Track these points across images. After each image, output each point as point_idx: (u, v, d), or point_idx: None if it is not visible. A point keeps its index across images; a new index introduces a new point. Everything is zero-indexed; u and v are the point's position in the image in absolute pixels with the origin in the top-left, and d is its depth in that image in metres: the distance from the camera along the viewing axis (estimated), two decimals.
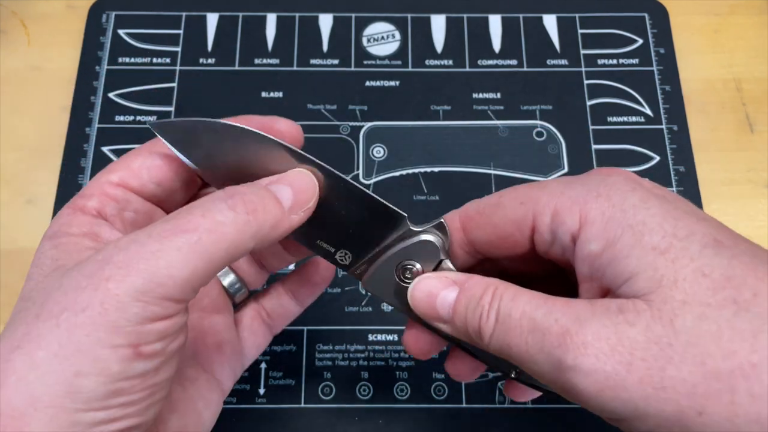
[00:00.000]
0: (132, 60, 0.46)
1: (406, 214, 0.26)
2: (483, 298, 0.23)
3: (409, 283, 0.25)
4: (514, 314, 0.21)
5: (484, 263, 0.27)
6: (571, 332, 0.20)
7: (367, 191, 0.26)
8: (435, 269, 0.26)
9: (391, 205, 0.26)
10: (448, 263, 0.26)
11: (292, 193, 0.23)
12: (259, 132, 0.24)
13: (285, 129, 0.27)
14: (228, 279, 0.30)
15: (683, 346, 0.18)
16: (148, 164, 0.25)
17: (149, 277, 0.19)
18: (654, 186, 0.22)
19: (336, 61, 0.46)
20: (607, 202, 0.21)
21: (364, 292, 0.40)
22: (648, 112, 0.45)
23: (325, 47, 0.47)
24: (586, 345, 0.19)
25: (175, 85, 0.45)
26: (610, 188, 0.22)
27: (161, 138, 0.25)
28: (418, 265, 0.26)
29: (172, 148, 0.25)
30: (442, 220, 0.26)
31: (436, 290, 0.24)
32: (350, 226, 0.26)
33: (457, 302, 0.24)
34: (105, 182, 0.25)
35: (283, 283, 0.31)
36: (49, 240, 0.23)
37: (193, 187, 0.27)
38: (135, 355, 0.19)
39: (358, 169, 0.43)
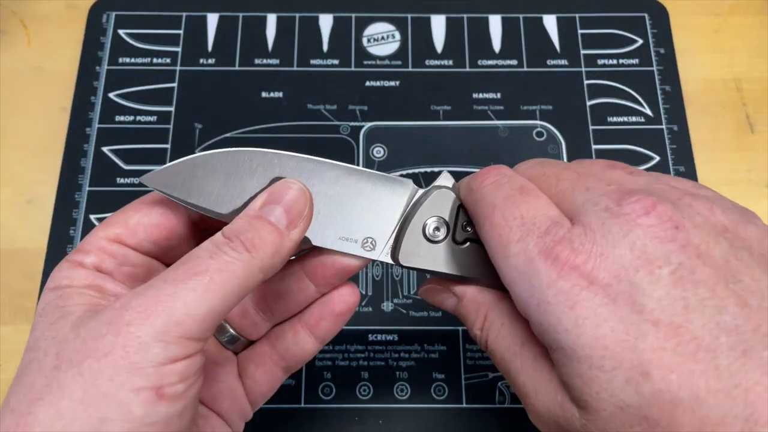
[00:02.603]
0: (132, 60, 0.46)
1: (410, 179, 0.26)
2: (475, 324, 0.25)
3: (440, 240, 0.26)
4: (495, 355, 0.24)
5: None
6: (529, 397, 0.23)
7: (366, 169, 0.26)
8: (457, 215, 0.26)
9: (393, 176, 0.26)
10: (462, 213, 0.26)
11: (284, 210, 0.24)
12: (243, 149, 0.25)
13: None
14: (225, 336, 0.29)
15: None
16: (145, 222, 0.25)
17: (168, 317, 0.20)
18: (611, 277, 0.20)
19: (336, 61, 0.46)
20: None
21: (364, 292, 0.40)
22: (648, 112, 0.45)
23: (325, 47, 0.47)
24: (539, 416, 0.22)
25: (175, 85, 0.45)
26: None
27: (156, 190, 0.25)
28: (441, 217, 0.26)
29: (171, 197, 0.25)
30: (444, 171, 0.27)
31: (441, 299, 0.27)
32: (362, 211, 0.26)
33: (457, 310, 0.27)
34: (102, 238, 0.25)
35: (299, 318, 0.29)
36: (53, 291, 0.23)
37: (190, 239, 0.27)
38: (158, 398, 0.20)
39: None
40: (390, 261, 0.26)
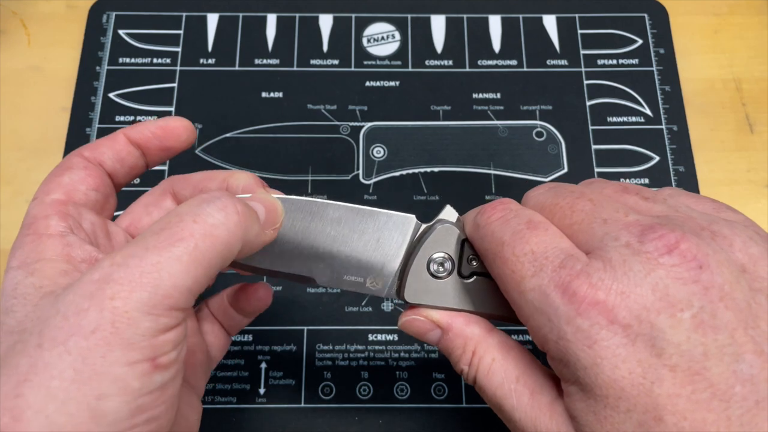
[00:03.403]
0: (132, 60, 0.46)
1: (413, 215, 0.26)
2: (461, 359, 0.25)
3: (445, 275, 0.25)
4: (486, 391, 0.24)
5: None
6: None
7: (369, 208, 0.26)
8: (462, 250, 0.26)
9: (396, 212, 0.26)
10: (467, 247, 0.26)
11: (264, 210, 0.24)
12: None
13: (179, 125, 0.28)
14: None
15: None
16: (76, 178, 0.25)
17: (155, 290, 0.19)
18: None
19: (336, 61, 0.46)
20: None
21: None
22: (648, 112, 0.45)
23: (325, 47, 0.47)
24: None
25: (175, 85, 0.45)
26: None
27: None
28: (445, 253, 0.25)
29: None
30: (447, 206, 0.26)
31: (423, 331, 0.26)
32: (367, 250, 0.26)
33: (440, 343, 0.26)
34: (53, 202, 0.24)
35: (227, 296, 0.31)
36: (20, 269, 0.22)
37: (115, 196, 0.28)
38: (153, 368, 0.19)
39: (358, 169, 0.43)
40: (397, 299, 0.26)
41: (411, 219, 0.26)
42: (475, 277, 0.25)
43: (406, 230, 0.26)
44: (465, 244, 0.26)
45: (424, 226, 0.26)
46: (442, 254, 0.25)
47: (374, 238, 0.26)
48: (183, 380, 0.27)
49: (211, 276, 0.21)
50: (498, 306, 0.25)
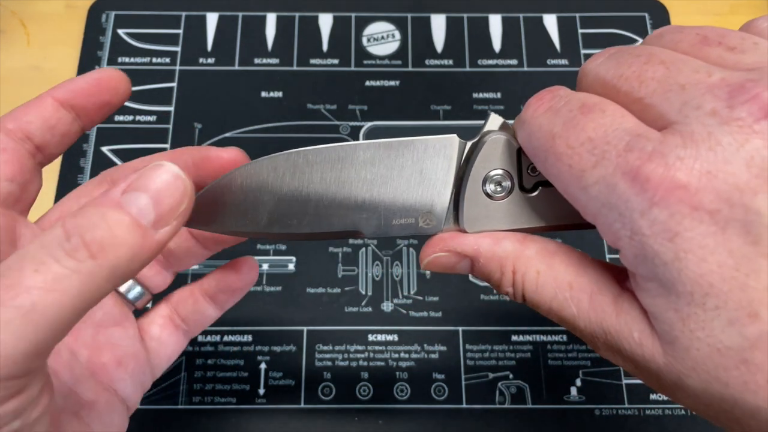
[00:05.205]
0: (132, 60, 0.46)
1: (455, 134, 0.22)
2: (503, 282, 0.22)
3: (506, 194, 0.22)
4: (540, 306, 0.21)
5: None
6: (597, 339, 0.20)
7: (401, 138, 0.22)
8: (519, 160, 0.22)
9: (433, 136, 0.22)
10: (524, 156, 0.22)
11: (151, 201, 0.18)
12: (262, 159, 0.22)
13: (113, 75, 0.24)
14: (124, 285, 0.26)
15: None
16: None
17: None
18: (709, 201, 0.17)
19: (336, 61, 0.46)
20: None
21: (364, 292, 0.40)
22: None
23: (325, 47, 0.47)
24: (612, 355, 0.20)
25: (174, 85, 0.45)
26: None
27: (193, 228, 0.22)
28: (501, 168, 0.22)
29: (212, 230, 0.22)
30: (491, 113, 0.23)
31: (450, 265, 0.23)
32: (411, 186, 0.23)
33: (474, 273, 0.23)
34: None
35: (199, 286, 0.27)
36: None
37: (40, 175, 0.24)
38: None
39: None
40: (458, 231, 0.23)
41: (453, 139, 0.22)
42: (540, 188, 0.22)
43: (450, 153, 0.22)
44: (521, 152, 0.22)
45: (470, 143, 0.22)
46: (497, 171, 0.22)
47: (416, 170, 0.22)
48: (107, 392, 0.25)
49: (64, 332, 0.17)
50: (573, 214, 0.21)
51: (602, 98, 0.19)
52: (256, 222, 0.23)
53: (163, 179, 0.18)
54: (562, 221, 0.23)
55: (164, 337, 0.27)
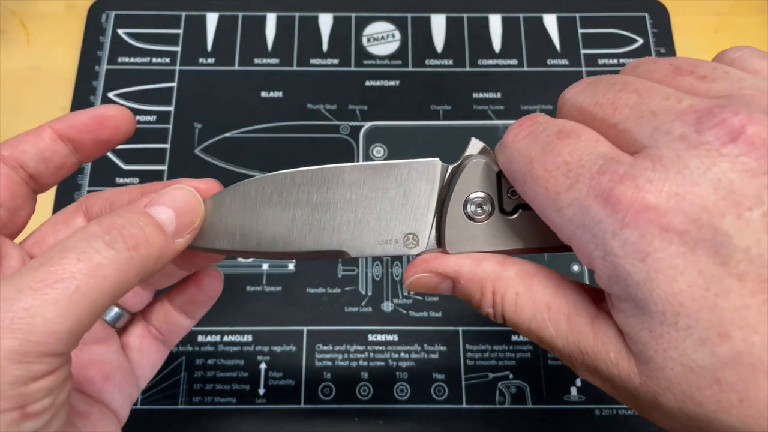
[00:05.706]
0: (132, 60, 0.46)
1: (437, 158, 0.23)
2: (483, 302, 0.22)
3: (486, 216, 0.23)
4: (520, 327, 0.21)
5: None
6: (575, 359, 0.20)
7: (385, 162, 0.23)
8: (498, 183, 0.23)
9: (417, 159, 0.23)
10: (504, 179, 0.23)
11: (175, 215, 0.21)
12: (251, 180, 0.23)
13: (115, 114, 0.25)
14: (108, 314, 0.28)
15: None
16: None
17: (26, 337, 0.17)
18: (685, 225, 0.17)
19: (336, 61, 0.46)
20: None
21: (364, 292, 0.40)
22: None
23: (325, 47, 0.47)
24: (590, 375, 0.20)
25: (174, 84, 0.45)
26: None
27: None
28: (482, 191, 0.23)
29: (197, 248, 0.23)
30: (472, 138, 0.24)
31: (432, 286, 0.23)
32: (395, 207, 0.23)
33: (455, 293, 0.23)
34: None
35: (169, 299, 0.28)
36: None
37: (33, 201, 0.25)
38: (23, 416, 0.18)
39: None
40: (440, 253, 0.24)
41: (435, 163, 0.23)
42: (520, 211, 0.23)
43: (432, 176, 0.23)
44: (501, 176, 0.23)
45: (451, 167, 0.23)
46: (478, 194, 0.23)
47: (400, 192, 0.23)
48: (99, 404, 0.25)
49: (97, 316, 0.19)
50: (552, 237, 0.21)
51: (579, 124, 0.20)
52: (245, 242, 0.23)
53: (185, 198, 0.22)
54: (542, 243, 0.23)
55: (145, 347, 0.28)
